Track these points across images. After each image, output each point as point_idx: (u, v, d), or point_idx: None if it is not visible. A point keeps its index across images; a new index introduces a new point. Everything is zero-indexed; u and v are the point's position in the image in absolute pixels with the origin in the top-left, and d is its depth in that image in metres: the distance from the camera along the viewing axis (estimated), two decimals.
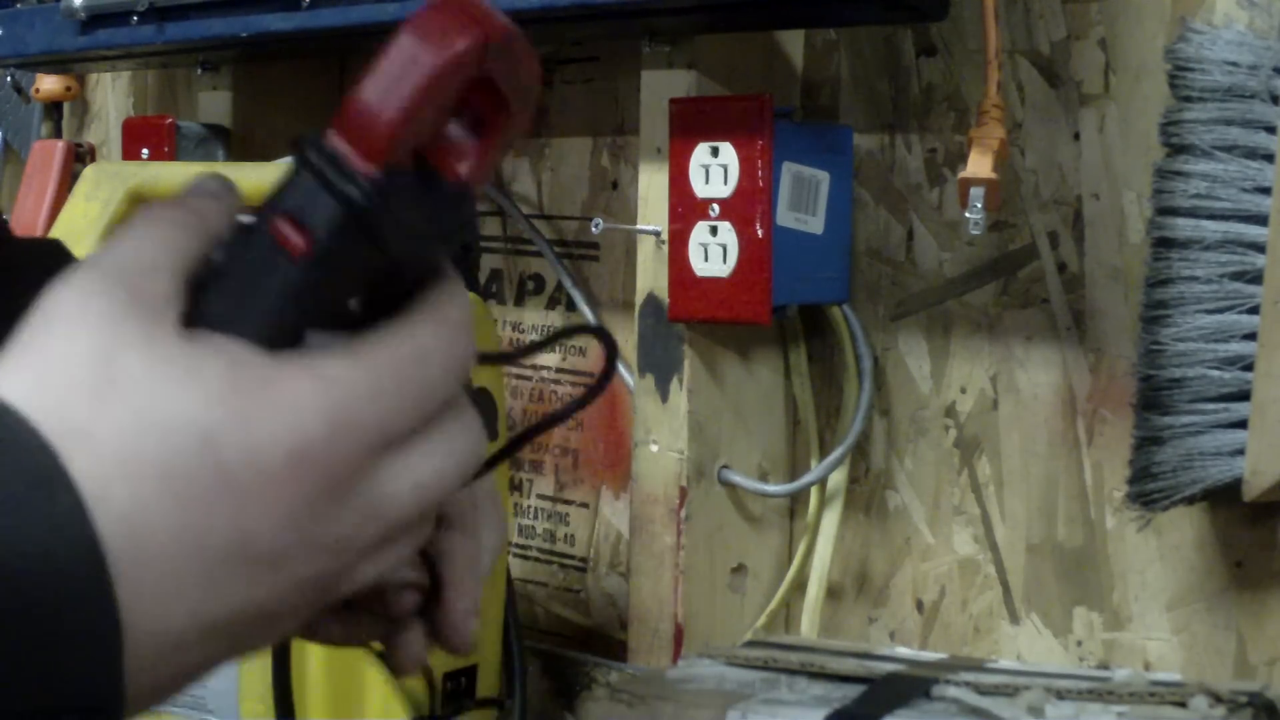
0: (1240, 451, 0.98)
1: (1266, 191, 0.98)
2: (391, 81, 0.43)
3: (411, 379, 0.43)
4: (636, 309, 1.25)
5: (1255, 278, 0.98)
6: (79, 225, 1.19)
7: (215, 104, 1.58)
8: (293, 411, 0.41)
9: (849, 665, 0.99)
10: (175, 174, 1.29)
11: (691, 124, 1.18)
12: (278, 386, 0.41)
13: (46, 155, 1.71)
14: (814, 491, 1.26)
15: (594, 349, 1.43)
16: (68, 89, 1.82)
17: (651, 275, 1.23)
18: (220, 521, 0.40)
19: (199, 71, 1.58)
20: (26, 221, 1.60)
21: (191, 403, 0.40)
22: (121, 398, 0.40)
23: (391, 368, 0.43)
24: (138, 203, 1.20)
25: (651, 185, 1.23)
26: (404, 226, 0.44)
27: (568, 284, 1.41)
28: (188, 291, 0.43)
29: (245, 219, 0.45)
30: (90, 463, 0.39)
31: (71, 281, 0.42)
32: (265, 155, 1.50)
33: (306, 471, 0.41)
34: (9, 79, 1.88)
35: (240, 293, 0.43)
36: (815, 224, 1.20)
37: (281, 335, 0.43)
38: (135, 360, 0.40)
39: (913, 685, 0.94)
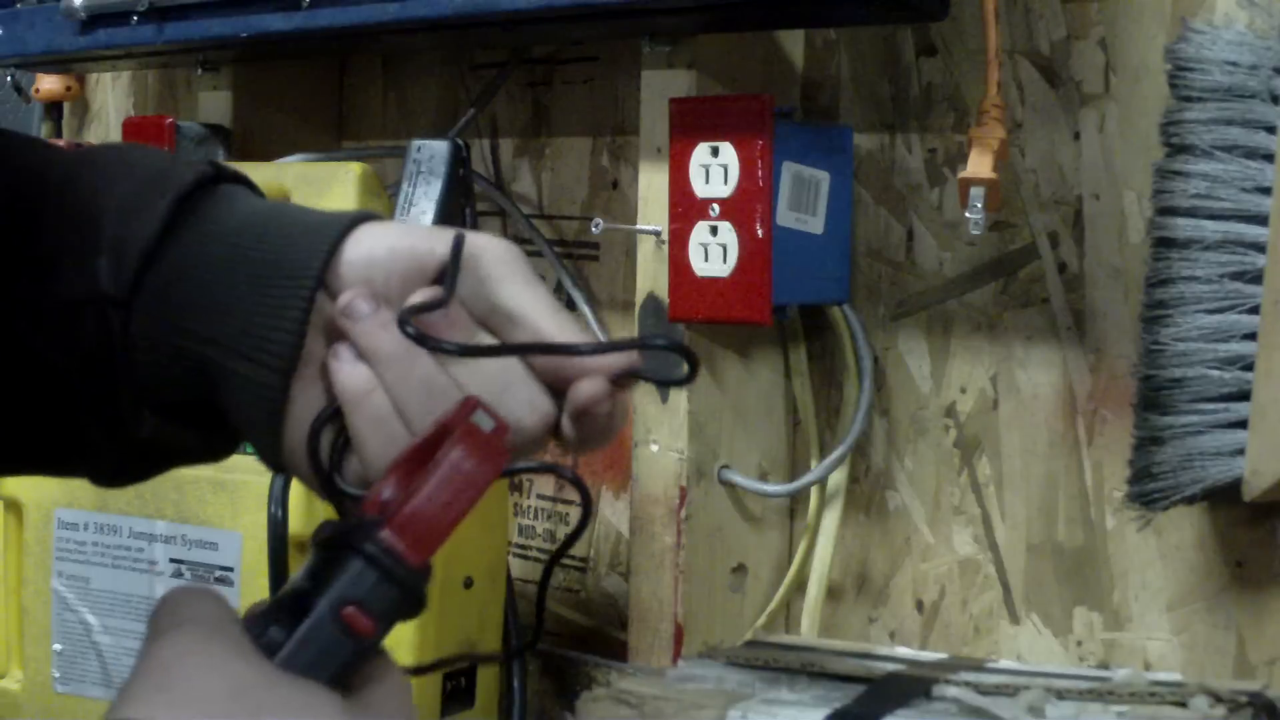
0: (1240, 451, 0.98)
1: (1266, 191, 0.98)
2: (451, 496, 0.55)
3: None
4: (636, 309, 1.25)
5: (1255, 278, 0.98)
6: None
7: (215, 104, 1.58)
8: None
9: (849, 665, 0.99)
10: None
11: (691, 124, 1.18)
12: None
13: None
14: (814, 491, 1.26)
15: None
16: (68, 89, 1.82)
17: (651, 275, 1.23)
18: None
19: (199, 71, 1.58)
20: None
21: None
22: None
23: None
24: None
25: (651, 185, 1.23)
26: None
27: (568, 284, 1.41)
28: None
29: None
30: None
31: (184, 631, 0.52)
32: (265, 155, 1.50)
33: None
34: (9, 79, 1.88)
35: (313, 656, 0.54)
36: (815, 224, 1.20)
37: (337, 680, 0.55)
38: (265, 694, 0.52)
39: (913, 685, 0.94)
